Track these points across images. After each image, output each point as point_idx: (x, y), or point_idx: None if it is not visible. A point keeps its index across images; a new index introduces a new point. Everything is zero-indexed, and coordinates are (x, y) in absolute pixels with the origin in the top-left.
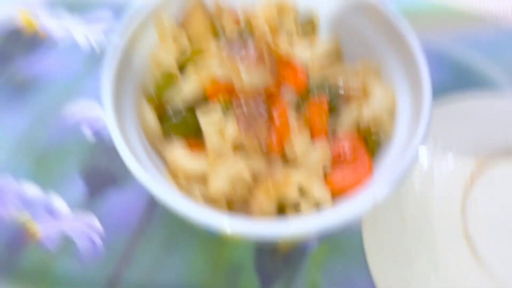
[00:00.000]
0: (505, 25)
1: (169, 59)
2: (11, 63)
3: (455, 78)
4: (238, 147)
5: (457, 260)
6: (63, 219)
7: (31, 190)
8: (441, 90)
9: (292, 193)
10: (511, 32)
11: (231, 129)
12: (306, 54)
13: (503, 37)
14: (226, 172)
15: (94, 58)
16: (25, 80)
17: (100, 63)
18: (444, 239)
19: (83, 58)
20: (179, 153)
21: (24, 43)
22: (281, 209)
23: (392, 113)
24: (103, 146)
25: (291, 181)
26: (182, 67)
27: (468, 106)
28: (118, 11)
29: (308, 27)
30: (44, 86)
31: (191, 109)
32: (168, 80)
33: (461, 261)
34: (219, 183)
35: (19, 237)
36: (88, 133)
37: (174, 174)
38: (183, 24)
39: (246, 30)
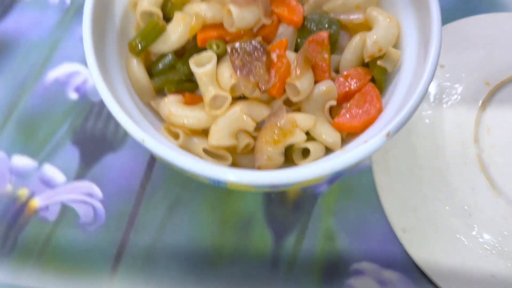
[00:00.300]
0: None
1: (152, 7)
2: None
3: (460, 2)
4: (237, 95)
5: (473, 191)
6: (60, 189)
7: (24, 162)
8: (445, 16)
9: (299, 139)
10: None
11: (228, 76)
12: None
13: None
14: (227, 123)
15: (72, 15)
16: None
17: (79, 21)
18: (459, 170)
19: (59, 18)
20: (175, 108)
21: None
22: (289, 156)
23: (397, 42)
24: (93, 109)
25: (297, 127)
26: (168, 14)
27: (475, 30)
28: None
29: None
30: (21, 49)
31: (183, 59)
32: (154, 31)
33: (477, 191)
34: (220, 136)
35: (18, 213)
36: (75, 97)
37: (171, 131)
38: None
39: None
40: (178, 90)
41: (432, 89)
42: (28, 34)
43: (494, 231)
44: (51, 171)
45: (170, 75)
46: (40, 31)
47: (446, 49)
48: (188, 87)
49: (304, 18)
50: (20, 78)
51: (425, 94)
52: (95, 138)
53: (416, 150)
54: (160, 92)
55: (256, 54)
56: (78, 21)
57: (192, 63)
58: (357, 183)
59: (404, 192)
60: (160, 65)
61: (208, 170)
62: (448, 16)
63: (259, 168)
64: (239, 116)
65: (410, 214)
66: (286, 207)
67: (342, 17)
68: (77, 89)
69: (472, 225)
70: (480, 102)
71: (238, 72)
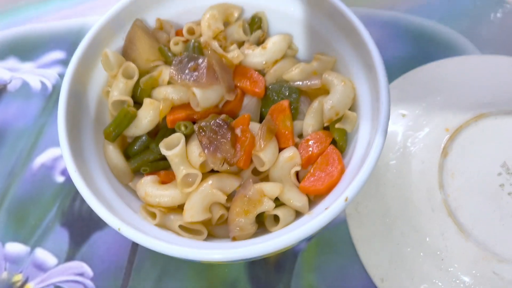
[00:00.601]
0: None
1: (122, 96)
2: None
3: (417, 50)
4: (207, 171)
5: (443, 236)
6: (52, 271)
7: (17, 248)
8: (405, 64)
9: (267, 207)
10: None
11: (197, 154)
12: (260, 59)
13: None
14: (200, 199)
15: (54, 101)
16: None
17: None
18: (427, 216)
19: (43, 105)
20: (150, 189)
21: None
22: (263, 221)
23: (354, 104)
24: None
25: (265, 196)
26: (138, 98)
27: (433, 77)
28: (71, 49)
29: (258, 32)
30: (8, 138)
31: (156, 140)
32: (126, 118)
33: (446, 236)
34: (194, 212)
35: None
36: (61, 179)
37: (148, 210)
38: (128, 52)
39: (195, 49)
40: (154, 170)
41: (397, 138)
42: (14, 123)
43: (467, 274)
44: (43, 255)
45: (145, 156)
46: (25, 119)
47: (407, 98)
48: (163, 165)
49: (266, 89)
50: (9, 166)
51: (379, 155)
52: (82, 218)
53: (386, 200)
54: (137, 172)
55: (221, 131)
56: None
57: (162, 146)
58: (334, 237)
59: (379, 242)
60: (136, 147)
61: (180, 252)
62: (407, 64)
63: (234, 238)
64: (210, 191)
65: (386, 263)
66: (268, 268)
67: (301, 84)
68: (63, 172)
69: (446, 269)
70: (442, 148)
71: (206, 150)
